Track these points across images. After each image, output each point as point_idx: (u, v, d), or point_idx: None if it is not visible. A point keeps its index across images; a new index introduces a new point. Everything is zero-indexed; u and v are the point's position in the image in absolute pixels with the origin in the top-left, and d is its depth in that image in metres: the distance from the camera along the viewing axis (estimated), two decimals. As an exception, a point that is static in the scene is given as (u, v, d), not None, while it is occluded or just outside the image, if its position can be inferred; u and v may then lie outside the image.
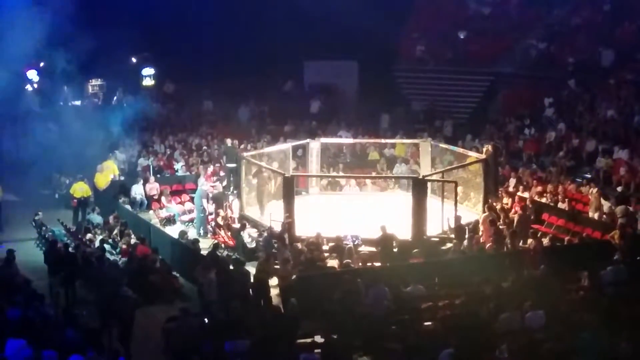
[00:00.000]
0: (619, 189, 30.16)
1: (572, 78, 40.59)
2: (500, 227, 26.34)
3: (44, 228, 28.68)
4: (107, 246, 25.98)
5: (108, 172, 34.18)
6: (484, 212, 27.37)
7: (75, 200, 32.23)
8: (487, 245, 24.97)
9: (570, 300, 20.05)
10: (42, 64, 40.43)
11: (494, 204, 28.12)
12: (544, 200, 29.94)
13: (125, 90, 44.80)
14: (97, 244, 26.61)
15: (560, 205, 29.35)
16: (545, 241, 25.88)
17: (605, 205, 28.04)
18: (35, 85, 41.86)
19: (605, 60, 40.95)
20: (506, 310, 18.39)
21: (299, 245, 24.81)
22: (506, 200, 29.72)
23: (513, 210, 28.66)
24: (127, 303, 19.85)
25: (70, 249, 25.10)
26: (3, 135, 36.48)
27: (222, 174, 33.46)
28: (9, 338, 15.48)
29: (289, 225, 25.59)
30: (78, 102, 43.02)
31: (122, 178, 34.77)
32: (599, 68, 40.67)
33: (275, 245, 25.23)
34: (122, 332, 19.53)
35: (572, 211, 28.77)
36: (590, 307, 19.06)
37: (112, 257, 25.08)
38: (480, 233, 25.88)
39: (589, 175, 32.80)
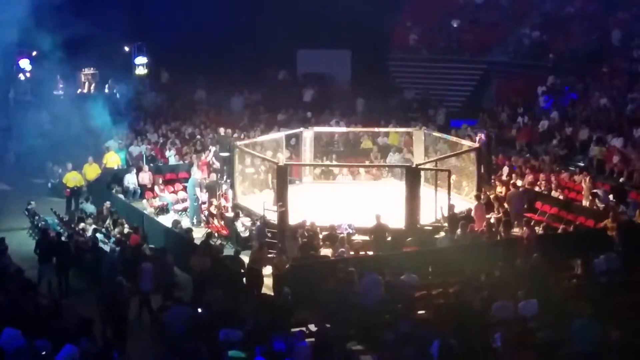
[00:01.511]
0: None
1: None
2: (495, 215, 26.46)
3: (36, 217, 28.63)
4: (100, 235, 25.95)
5: (111, 163, 34.35)
6: (477, 200, 27.43)
7: (68, 190, 32.19)
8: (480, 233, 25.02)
9: (564, 289, 20.10)
10: (34, 53, 40.32)
11: (487, 192, 28.16)
12: (537, 188, 29.98)
13: (118, 79, 44.70)
14: (90, 233, 26.56)
15: (553, 193, 29.42)
16: (539, 229, 25.93)
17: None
18: (28, 74, 41.76)
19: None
20: (499, 299, 18.42)
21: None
22: (500, 189, 29.77)
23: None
24: (122, 292, 19.84)
25: (62, 238, 25.08)
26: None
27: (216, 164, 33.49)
28: (4, 327, 15.49)
29: (283, 215, 25.60)
30: (71, 91, 42.91)
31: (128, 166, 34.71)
32: (592, 56, 40.68)
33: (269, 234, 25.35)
34: (117, 321, 19.51)
35: (566, 200, 28.84)
36: (583, 296, 19.11)
37: (105, 247, 25.01)
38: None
39: (582, 164, 32.87)
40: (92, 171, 33.29)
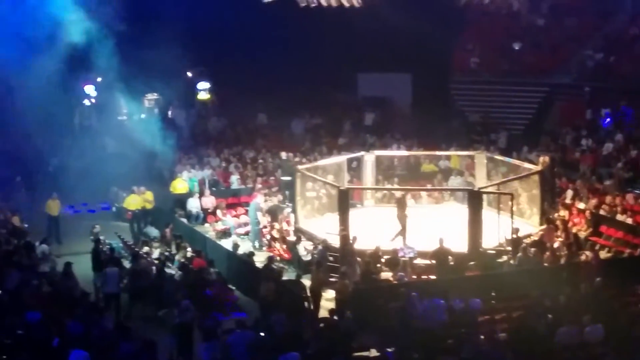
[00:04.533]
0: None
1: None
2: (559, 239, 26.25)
3: (101, 241, 28.92)
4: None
5: (179, 190, 34.93)
6: (541, 224, 27.26)
7: (130, 213, 32.56)
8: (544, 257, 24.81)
9: (630, 313, 19.83)
10: (99, 79, 40.87)
11: (552, 216, 27.97)
12: (601, 212, 29.63)
13: (180, 104, 45.25)
14: (154, 257, 26.87)
15: (618, 217, 29.03)
16: (604, 254, 25.64)
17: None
18: (93, 100, 42.33)
19: None
20: (564, 324, 18.23)
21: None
22: (563, 213, 29.51)
23: (570, 223, 28.50)
24: (189, 315, 20.05)
25: (115, 255, 26.17)
26: (61, 149, 36.93)
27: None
28: (72, 350, 15.67)
29: (345, 239, 25.61)
30: (135, 117, 43.40)
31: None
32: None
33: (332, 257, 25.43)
34: (183, 343, 19.68)
35: (632, 223, 28.45)
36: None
37: (169, 271, 25.23)
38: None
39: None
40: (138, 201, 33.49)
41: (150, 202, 32.79)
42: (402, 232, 27.11)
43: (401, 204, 27.78)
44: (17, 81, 31.25)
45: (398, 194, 29.41)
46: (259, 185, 34.77)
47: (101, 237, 28.31)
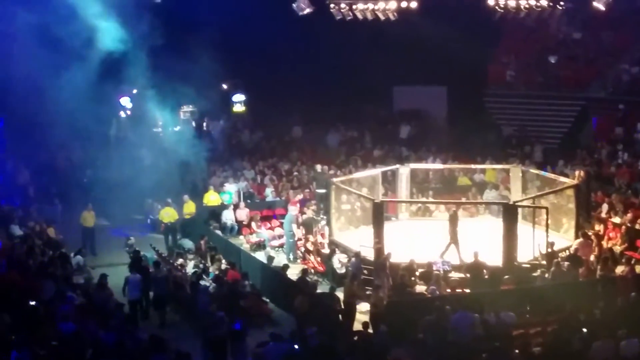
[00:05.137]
0: None
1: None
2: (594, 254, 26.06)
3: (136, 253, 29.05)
4: (198, 270, 26.33)
5: (212, 202, 35.18)
6: (576, 238, 27.10)
7: (164, 225, 32.71)
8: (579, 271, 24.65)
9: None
10: (135, 91, 41.09)
11: (588, 231, 27.78)
12: (637, 227, 29.39)
13: (215, 117, 45.39)
14: (188, 269, 26.96)
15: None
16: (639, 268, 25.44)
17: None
18: (129, 112, 42.56)
19: None
20: (599, 338, 18.09)
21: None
22: (598, 227, 29.31)
23: (606, 237, 28.30)
24: (223, 327, 20.09)
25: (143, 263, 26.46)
26: (97, 160, 37.17)
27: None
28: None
29: (379, 252, 25.56)
30: (170, 129, 43.61)
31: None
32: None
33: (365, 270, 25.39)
34: (215, 356, 19.71)
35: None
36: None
37: (203, 283, 25.29)
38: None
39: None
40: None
41: (190, 213, 33.05)
42: (456, 247, 26.96)
43: (453, 219, 27.64)
44: (53, 92, 31.41)
45: (450, 209, 29.14)
46: (299, 196, 34.71)
47: (137, 249, 28.47)
